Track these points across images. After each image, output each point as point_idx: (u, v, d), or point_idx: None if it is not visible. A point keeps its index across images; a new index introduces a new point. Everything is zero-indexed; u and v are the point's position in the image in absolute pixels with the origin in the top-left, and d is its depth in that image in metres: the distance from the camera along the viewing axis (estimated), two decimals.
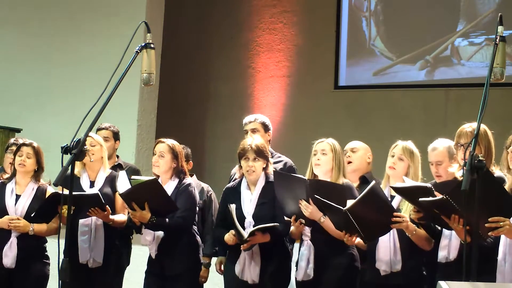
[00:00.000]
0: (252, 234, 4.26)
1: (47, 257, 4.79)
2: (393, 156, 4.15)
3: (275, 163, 5.10)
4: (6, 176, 4.89)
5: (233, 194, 4.53)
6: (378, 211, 3.83)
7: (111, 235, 4.77)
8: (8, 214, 4.67)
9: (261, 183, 4.48)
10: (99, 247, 4.67)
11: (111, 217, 4.63)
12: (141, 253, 5.20)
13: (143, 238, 4.65)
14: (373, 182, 3.87)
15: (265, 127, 5.20)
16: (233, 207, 4.38)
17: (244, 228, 4.34)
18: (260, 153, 4.46)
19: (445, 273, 3.65)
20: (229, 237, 4.39)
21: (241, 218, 4.39)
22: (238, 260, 4.39)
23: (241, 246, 4.32)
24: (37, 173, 4.81)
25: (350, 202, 3.89)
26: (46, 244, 4.83)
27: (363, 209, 3.78)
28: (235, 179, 4.72)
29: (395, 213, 3.85)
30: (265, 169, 4.50)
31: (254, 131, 5.14)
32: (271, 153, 5.18)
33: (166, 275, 4.60)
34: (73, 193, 3.50)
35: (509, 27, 5.79)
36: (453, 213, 3.45)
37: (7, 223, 4.62)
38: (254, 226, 4.33)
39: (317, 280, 4.21)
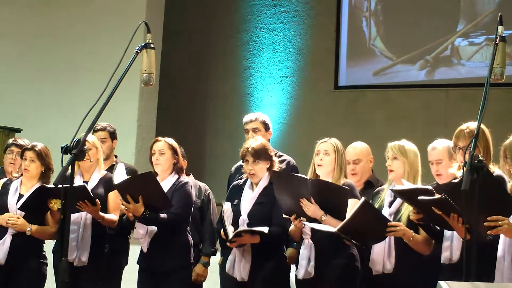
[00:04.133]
0: (238, 235, 4.28)
1: (44, 257, 4.75)
2: (388, 159, 4.17)
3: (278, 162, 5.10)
4: (15, 175, 4.89)
5: (237, 191, 4.55)
6: (371, 224, 3.91)
7: (101, 235, 4.73)
8: (8, 212, 4.66)
9: (263, 183, 4.48)
10: (85, 246, 4.61)
11: (101, 214, 4.59)
12: None
13: (136, 231, 4.63)
14: (362, 200, 3.92)
15: (266, 126, 5.17)
16: (227, 205, 4.43)
17: (238, 225, 4.38)
18: (259, 155, 4.45)
19: (448, 274, 3.64)
20: (223, 232, 4.43)
21: (238, 215, 4.42)
22: (229, 256, 4.42)
23: (227, 243, 4.35)
24: (45, 174, 4.74)
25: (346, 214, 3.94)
26: (44, 243, 4.80)
27: (354, 226, 3.87)
28: (237, 176, 4.73)
29: (389, 223, 3.91)
30: (269, 169, 4.49)
31: (255, 130, 5.10)
32: (274, 152, 5.16)
33: (156, 271, 4.60)
34: (59, 185, 3.41)
35: (509, 27, 5.78)
36: (452, 211, 3.46)
37: (6, 220, 4.61)
38: (248, 224, 4.37)
39: (317, 279, 4.22)
